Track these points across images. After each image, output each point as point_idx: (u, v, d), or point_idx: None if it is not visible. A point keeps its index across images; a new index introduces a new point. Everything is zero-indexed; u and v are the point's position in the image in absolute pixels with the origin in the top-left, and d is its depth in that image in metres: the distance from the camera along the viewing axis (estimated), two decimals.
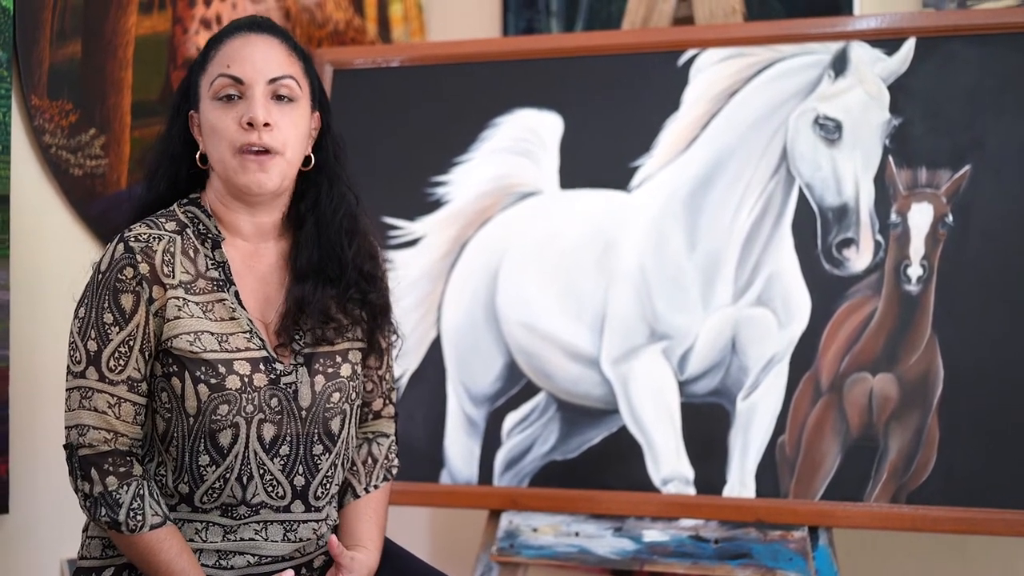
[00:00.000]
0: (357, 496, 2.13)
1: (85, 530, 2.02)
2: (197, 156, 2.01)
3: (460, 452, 2.78)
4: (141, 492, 1.90)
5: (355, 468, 2.14)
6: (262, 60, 1.96)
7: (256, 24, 2.01)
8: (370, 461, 2.16)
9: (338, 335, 2.04)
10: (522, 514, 2.72)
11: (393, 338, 2.16)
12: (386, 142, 2.92)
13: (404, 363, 2.80)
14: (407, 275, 2.83)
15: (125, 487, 1.89)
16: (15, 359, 2.40)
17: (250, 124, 1.93)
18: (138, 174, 2.60)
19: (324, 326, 2.02)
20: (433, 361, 2.82)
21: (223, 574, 1.96)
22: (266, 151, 1.94)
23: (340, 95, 2.96)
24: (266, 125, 1.93)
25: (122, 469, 1.90)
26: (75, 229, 2.56)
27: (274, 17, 2.97)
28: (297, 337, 2.00)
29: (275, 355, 1.97)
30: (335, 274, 2.03)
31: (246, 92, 1.95)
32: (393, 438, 2.22)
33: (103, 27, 2.59)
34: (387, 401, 2.21)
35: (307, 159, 2.04)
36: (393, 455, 2.20)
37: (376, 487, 2.15)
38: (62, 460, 1.95)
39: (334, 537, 2.02)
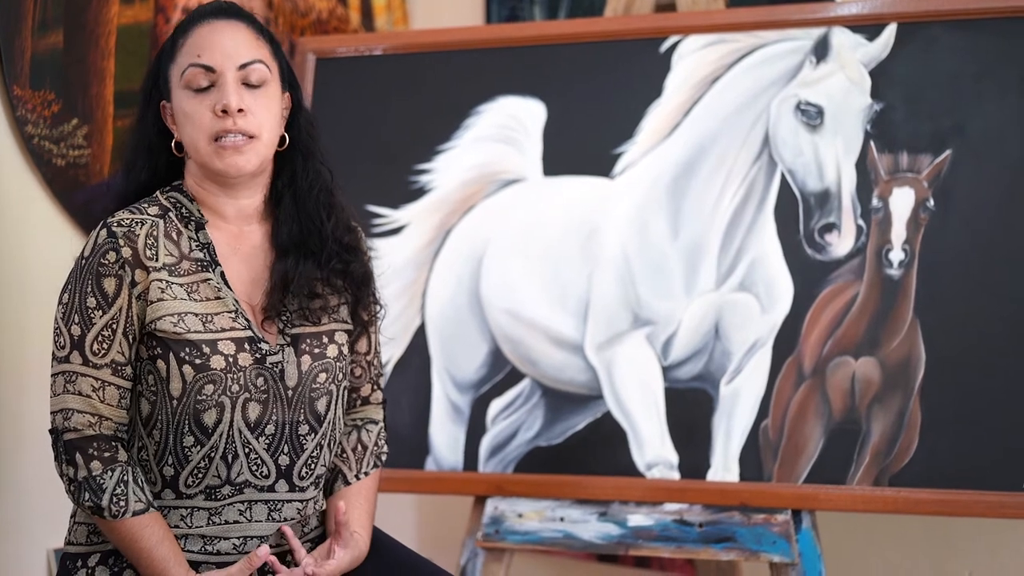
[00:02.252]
0: (348, 483, 2.14)
1: (73, 516, 2.03)
2: (172, 144, 2.02)
3: (445, 439, 2.79)
4: (125, 478, 1.91)
5: (345, 455, 2.15)
6: (231, 46, 1.97)
7: (221, 10, 2.02)
8: (360, 448, 2.17)
9: (324, 313, 2.06)
10: (507, 500, 2.72)
11: (376, 308, 2.17)
12: (369, 130, 2.92)
13: (389, 350, 2.80)
14: (391, 263, 2.83)
15: (109, 472, 1.90)
16: (0, 349, 2.40)
17: (224, 111, 1.94)
18: (120, 164, 2.60)
19: (309, 302, 2.03)
20: (418, 348, 2.83)
21: (209, 559, 1.97)
22: (242, 136, 1.95)
23: (323, 84, 2.95)
24: (240, 111, 1.95)
25: (107, 454, 1.91)
26: (58, 219, 2.57)
27: (256, 7, 2.98)
28: (284, 316, 2.01)
29: (261, 335, 1.98)
30: (316, 247, 2.05)
31: (217, 80, 1.96)
32: (382, 424, 2.23)
33: (85, 17, 2.59)
34: (375, 387, 2.23)
35: (281, 139, 2.05)
36: (383, 441, 2.22)
37: (366, 474, 2.17)
38: (49, 450, 1.96)
39: (343, 504, 2.03)
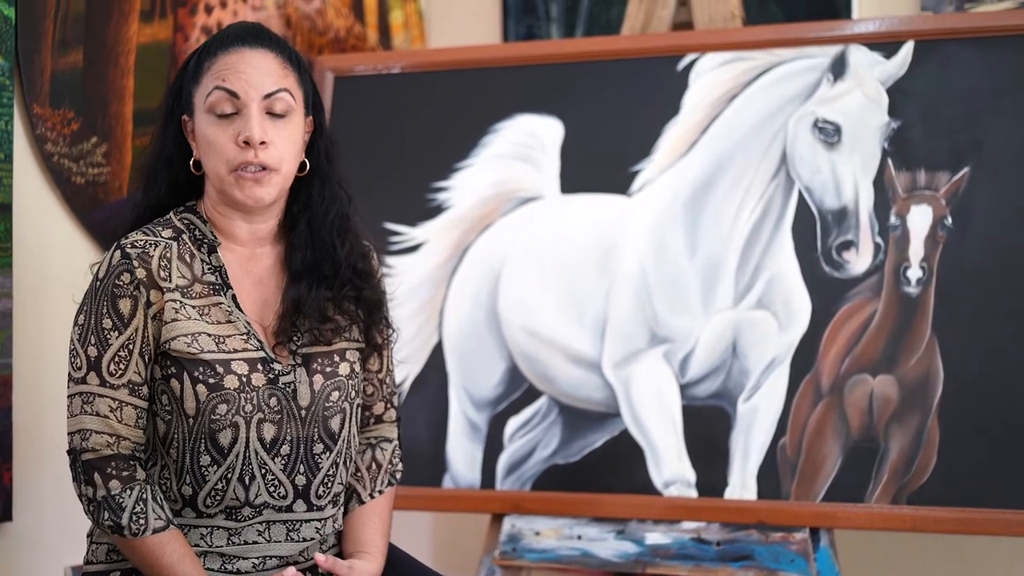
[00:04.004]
0: (362, 502, 2.14)
1: (90, 535, 2.03)
2: (191, 163, 2.02)
3: (462, 456, 2.79)
4: (144, 496, 1.91)
5: (359, 474, 2.15)
6: (257, 75, 1.95)
7: (250, 34, 2.00)
8: (374, 467, 2.17)
9: (336, 335, 2.06)
10: (524, 518, 2.72)
11: (389, 332, 2.17)
12: (387, 148, 2.93)
13: (406, 368, 2.81)
14: (409, 280, 2.84)
15: (128, 491, 1.90)
16: (18, 367, 2.41)
17: (246, 143, 1.93)
18: (139, 181, 2.61)
19: (321, 326, 2.03)
20: (435, 366, 2.83)
21: None
22: (263, 168, 1.95)
23: (341, 102, 2.97)
24: (262, 143, 1.93)
25: (125, 473, 1.91)
26: (77, 237, 2.57)
27: (275, 25, 2.99)
28: (295, 338, 2.01)
29: (273, 355, 1.98)
30: (329, 273, 2.05)
31: (241, 108, 1.94)
32: (396, 442, 2.22)
33: (104, 35, 2.60)
34: (389, 405, 2.22)
35: (301, 164, 2.04)
36: (397, 459, 2.21)
37: (380, 492, 2.16)
38: (66, 467, 1.96)
39: (318, 555, 2.02)
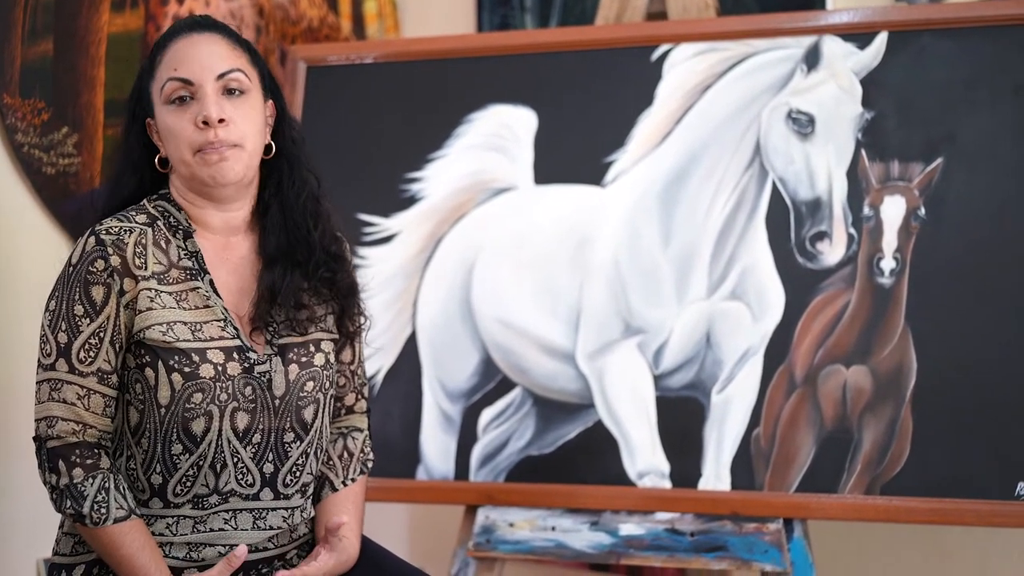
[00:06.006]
0: (335, 490, 2.15)
1: (60, 527, 2.03)
2: (156, 160, 2.03)
3: (436, 448, 2.78)
4: (106, 485, 1.91)
5: (331, 463, 2.15)
6: (208, 58, 1.98)
7: (196, 23, 2.03)
8: (346, 455, 2.18)
9: (311, 324, 2.06)
10: (498, 509, 2.72)
11: (362, 320, 2.18)
12: (360, 139, 2.92)
13: (380, 359, 2.80)
14: (382, 271, 2.83)
15: (91, 479, 1.90)
16: None
17: (205, 123, 1.94)
18: (106, 180, 2.59)
19: (296, 313, 2.04)
20: (409, 357, 2.82)
21: (192, 566, 1.97)
22: (226, 146, 1.96)
23: (314, 92, 2.95)
24: (221, 121, 1.95)
25: (89, 461, 1.91)
26: (48, 228, 2.56)
27: (247, 14, 2.98)
28: (272, 327, 2.01)
29: (249, 344, 1.98)
30: (303, 257, 2.06)
31: (196, 92, 1.96)
32: (367, 432, 2.23)
33: (75, 25, 2.58)
34: (359, 396, 2.23)
35: (267, 147, 2.06)
36: (368, 449, 2.22)
37: (353, 480, 2.17)
38: None
39: (345, 518, 2.05)
